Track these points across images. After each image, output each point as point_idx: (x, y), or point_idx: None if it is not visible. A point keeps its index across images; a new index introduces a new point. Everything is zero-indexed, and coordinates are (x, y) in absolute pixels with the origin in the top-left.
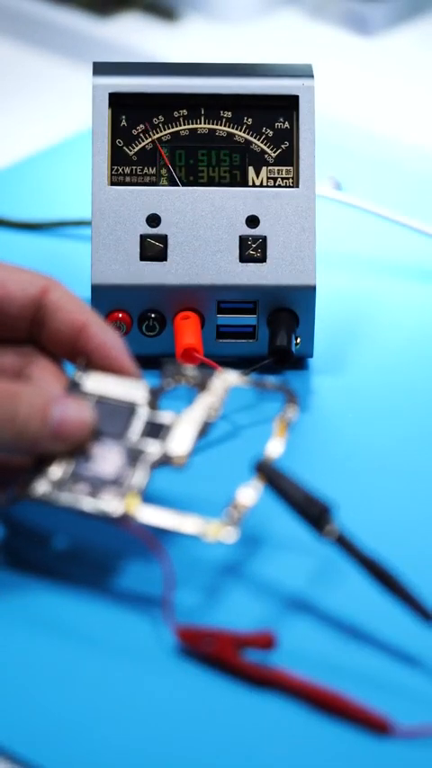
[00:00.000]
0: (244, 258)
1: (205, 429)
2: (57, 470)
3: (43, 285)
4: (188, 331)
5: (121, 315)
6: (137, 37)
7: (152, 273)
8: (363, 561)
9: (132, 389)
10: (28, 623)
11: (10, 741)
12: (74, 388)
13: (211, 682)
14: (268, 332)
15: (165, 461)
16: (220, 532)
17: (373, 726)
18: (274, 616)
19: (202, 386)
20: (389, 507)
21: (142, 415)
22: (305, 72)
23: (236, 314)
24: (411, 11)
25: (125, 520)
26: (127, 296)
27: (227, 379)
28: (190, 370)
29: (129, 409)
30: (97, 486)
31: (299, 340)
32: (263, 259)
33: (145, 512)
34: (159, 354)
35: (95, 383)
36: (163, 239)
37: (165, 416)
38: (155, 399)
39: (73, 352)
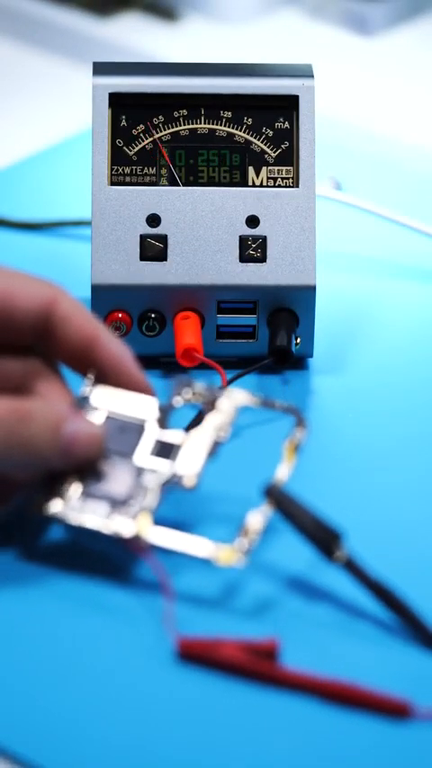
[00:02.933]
0: (244, 258)
1: (215, 449)
2: (68, 488)
3: (51, 294)
4: (188, 331)
5: (120, 315)
6: (137, 37)
7: (152, 273)
8: (371, 586)
9: (142, 406)
10: (27, 622)
11: (10, 741)
12: (82, 402)
13: (216, 680)
14: (268, 332)
15: (175, 482)
16: (231, 559)
17: (393, 710)
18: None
19: (211, 404)
20: (389, 507)
21: (152, 434)
22: (305, 72)
23: (236, 314)
24: (411, 11)
25: (136, 541)
26: (127, 296)
27: (236, 398)
28: (199, 386)
29: (138, 427)
30: (108, 506)
31: (299, 340)
32: (263, 259)
33: (156, 533)
34: (159, 354)
35: (104, 398)
36: (163, 239)
37: (174, 436)
38: (164, 417)
39: (82, 363)
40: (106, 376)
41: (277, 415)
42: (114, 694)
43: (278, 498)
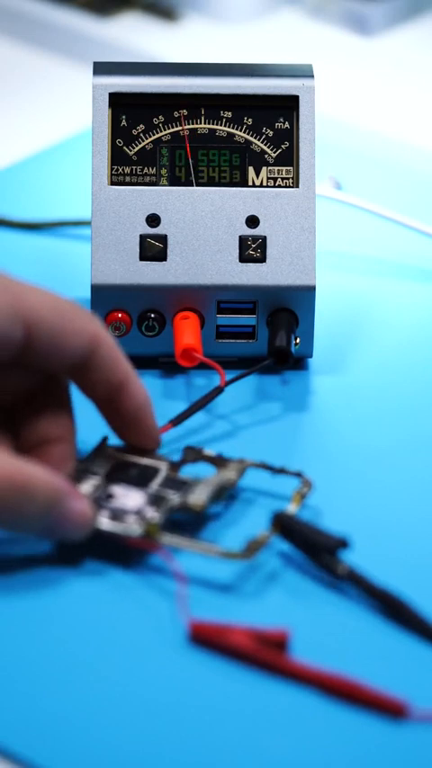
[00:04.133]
0: (244, 258)
1: (221, 493)
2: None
3: (96, 333)
4: (187, 331)
5: (120, 315)
6: (137, 37)
7: (152, 273)
8: (377, 596)
9: (155, 460)
10: (28, 618)
11: (10, 741)
12: (99, 452)
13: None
14: (268, 332)
15: (183, 507)
16: (238, 557)
17: (390, 710)
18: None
19: (221, 464)
20: (389, 508)
21: (164, 474)
22: (305, 72)
23: (235, 314)
24: (411, 11)
25: (145, 541)
26: (127, 296)
27: (243, 461)
28: (209, 452)
29: (152, 469)
30: (118, 514)
31: (298, 340)
32: (262, 259)
33: (165, 536)
34: (159, 354)
35: (120, 453)
36: (163, 239)
37: (184, 477)
38: (176, 468)
39: (109, 405)
40: (126, 422)
41: (273, 414)
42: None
43: (282, 525)
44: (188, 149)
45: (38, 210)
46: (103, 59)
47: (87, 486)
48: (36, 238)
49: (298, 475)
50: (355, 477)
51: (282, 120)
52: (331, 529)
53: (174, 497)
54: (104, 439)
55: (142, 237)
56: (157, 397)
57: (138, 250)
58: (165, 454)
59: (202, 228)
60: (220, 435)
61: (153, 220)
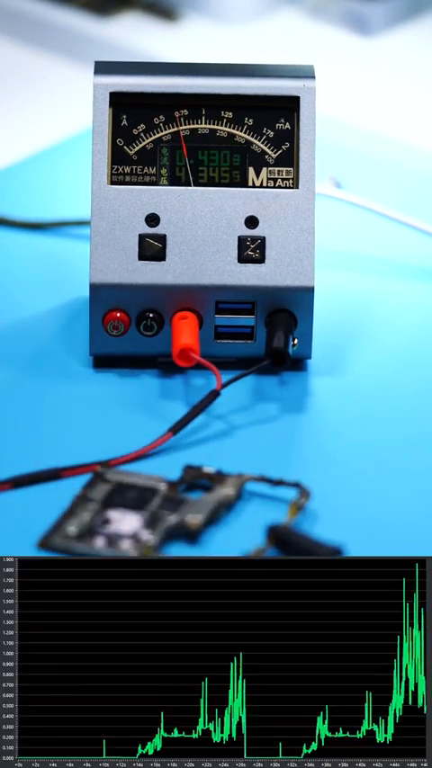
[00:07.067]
0: (242, 259)
1: (219, 512)
2: (73, 527)
3: None
4: (185, 331)
5: (119, 314)
6: (137, 37)
7: (151, 273)
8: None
9: (152, 481)
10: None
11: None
12: (98, 477)
13: None
14: (266, 333)
15: (180, 527)
16: None
17: None
18: None
19: (219, 481)
20: (389, 509)
21: (161, 496)
22: (307, 73)
23: (234, 314)
24: (411, 11)
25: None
26: (125, 295)
27: (242, 476)
28: (208, 469)
29: (151, 491)
30: (114, 538)
31: (296, 341)
32: (261, 260)
33: (160, 557)
34: (157, 354)
35: (119, 475)
36: (162, 239)
37: (183, 496)
38: (175, 487)
39: None
40: None
41: (271, 415)
42: None
43: (277, 538)
44: (184, 150)
45: (38, 210)
46: (103, 59)
47: (85, 514)
48: (36, 238)
49: (296, 485)
50: (353, 479)
51: (282, 120)
52: (329, 530)
53: (171, 517)
54: (102, 463)
55: (141, 237)
56: (155, 397)
57: (137, 249)
58: (163, 461)
59: (202, 229)
60: (218, 437)
61: (152, 220)
